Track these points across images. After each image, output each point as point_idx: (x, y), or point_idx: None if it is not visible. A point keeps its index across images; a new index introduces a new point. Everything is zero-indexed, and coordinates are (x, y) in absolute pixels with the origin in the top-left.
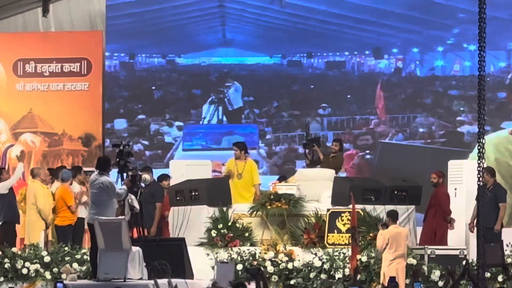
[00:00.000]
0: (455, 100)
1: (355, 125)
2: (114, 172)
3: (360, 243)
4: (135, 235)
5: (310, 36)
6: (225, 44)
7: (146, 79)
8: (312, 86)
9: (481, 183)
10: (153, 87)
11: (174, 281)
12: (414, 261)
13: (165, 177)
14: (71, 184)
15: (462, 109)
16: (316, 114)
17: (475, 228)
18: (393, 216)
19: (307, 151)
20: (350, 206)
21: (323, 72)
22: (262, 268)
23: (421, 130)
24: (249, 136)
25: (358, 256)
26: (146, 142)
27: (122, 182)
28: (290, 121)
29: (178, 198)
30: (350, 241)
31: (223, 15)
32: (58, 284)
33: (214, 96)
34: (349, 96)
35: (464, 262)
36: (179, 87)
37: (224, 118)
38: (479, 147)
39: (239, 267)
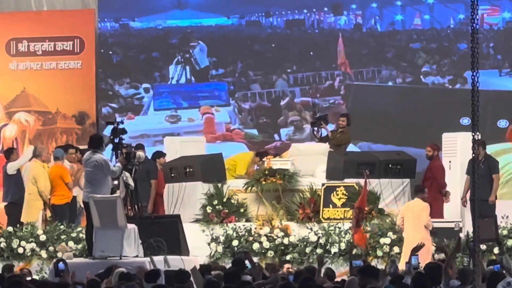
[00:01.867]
0: (417, 53)
1: (320, 81)
2: (108, 150)
3: (364, 215)
4: (130, 212)
5: None
6: (179, 6)
7: (102, 44)
8: (273, 45)
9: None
10: (110, 52)
11: (170, 257)
12: None
13: (161, 154)
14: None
15: (424, 61)
16: (282, 72)
17: (468, 201)
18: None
19: (315, 129)
20: (345, 180)
21: (283, 31)
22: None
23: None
24: (219, 93)
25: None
26: (115, 105)
27: (116, 160)
28: (256, 79)
29: (172, 175)
30: (353, 222)
31: None
32: (60, 265)
33: (180, 57)
34: (311, 53)
35: (461, 235)
36: (137, 51)
37: (192, 78)
38: (473, 119)
39: (235, 243)
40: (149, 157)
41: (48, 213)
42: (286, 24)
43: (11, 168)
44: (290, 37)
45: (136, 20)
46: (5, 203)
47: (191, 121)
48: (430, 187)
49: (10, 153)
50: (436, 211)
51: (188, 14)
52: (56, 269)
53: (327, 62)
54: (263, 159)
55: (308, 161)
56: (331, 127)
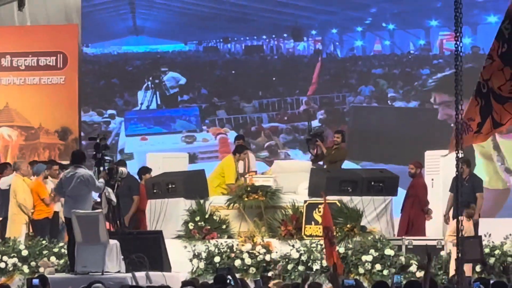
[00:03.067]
0: (380, 78)
1: (286, 107)
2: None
3: (337, 234)
4: (112, 228)
5: (225, 21)
6: (135, 31)
7: None
8: (233, 71)
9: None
10: None
11: (152, 273)
12: (391, 252)
13: (146, 170)
14: (46, 177)
15: (388, 86)
16: (247, 97)
17: (451, 219)
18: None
19: (310, 146)
20: (328, 197)
21: (242, 56)
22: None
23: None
24: (191, 118)
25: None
26: (83, 134)
27: (99, 176)
28: (221, 105)
29: (155, 191)
30: (324, 242)
31: (132, 1)
32: (34, 281)
33: (150, 82)
34: (274, 78)
35: (443, 253)
36: (95, 77)
37: (161, 103)
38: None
39: (217, 259)
40: (135, 173)
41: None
42: (245, 50)
43: (4, 183)
44: (249, 63)
45: (90, 46)
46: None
47: (205, 141)
48: (412, 205)
49: (4, 168)
50: (418, 229)
51: (144, 40)
52: (29, 286)
53: (290, 87)
54: (243, 154)
55: (290, 178)
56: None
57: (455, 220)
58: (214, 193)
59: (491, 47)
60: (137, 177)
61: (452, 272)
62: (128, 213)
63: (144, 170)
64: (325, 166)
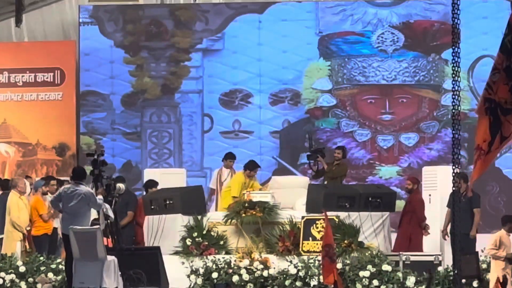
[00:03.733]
0: None
1: None
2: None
3: (335, 250)
4: (110, 244)
5: None
6: None
7: None
8: None
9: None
10: None
11: None
12: (389, 268)
13: (153, 183)
14: (44, 193)
15: None
16: None
17: (448, 235)
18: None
19: (311, 162)
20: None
21: None
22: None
23: None
24: None
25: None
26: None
27: (97, 192)
28: None
29: (152, 207)
30: (324, 260)
31: None
32: None
33: None
34: None
35: (440, 268)
36: None
37: None
38: (453, 153)
39: (215, 275)
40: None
41: (27, 245)
42: None
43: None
44: None
45: None
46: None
47: None
48: (410, 221)
49: (8, 184)
50: (415, 245)
51: None
52: None
53: None
54: (253, 171)
55: (288, 194)
56: None
57: (495, 234)
58: (225, 205)
59: (496, 59)
60: (142, 191)
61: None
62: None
63: (151, 184)
64: (325, 183)
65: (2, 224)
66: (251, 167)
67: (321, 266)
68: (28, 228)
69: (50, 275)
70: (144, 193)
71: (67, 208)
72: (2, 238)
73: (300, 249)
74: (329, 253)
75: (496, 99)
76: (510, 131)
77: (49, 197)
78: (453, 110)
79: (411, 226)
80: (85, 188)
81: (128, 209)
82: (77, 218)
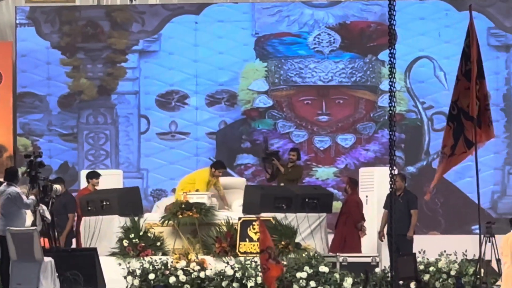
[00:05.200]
0: None
1: None
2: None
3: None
4: (47, 245)
5: None
6: None
7: None
8: None
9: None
10: None
11: None
12: (326, 269)
13: (94, 174)
14: None
15: None
16: None
17: (385, 236)
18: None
19: (266, 165)
20: (262, 214)
21: None
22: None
23: None
24: None
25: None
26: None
27: (31, 193)
28: None
29: (89, 208)
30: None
31: None
32: None
33: None
34: None
35: (377, 270)
36: None
37: None
38: (390, 154)
39: (151, 276)
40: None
41: None
42: None
43: None
44: None
45: None
46: None
47: None
48: (346, 222)
49: None
50: (351, 246)
51: None
52: None
53: None
54: (218, 171)
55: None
56: None
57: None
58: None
59: (458, 67)
60: (84, 183)
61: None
62: (64, 230)
63: (92, 175)
64: (281, 185)
65: None
66: (217, 166)
67: (266, 268)
68: None
69: None
70: (86, 183)
71: (0, 208)
72: None
73: (237, 250)
74: (272, 256)
75: (459, 104)
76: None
77: None
78: (390, 111)
79: (346, 227)
80: (12, 188)
81: (68, 211)
82: (11, 219)
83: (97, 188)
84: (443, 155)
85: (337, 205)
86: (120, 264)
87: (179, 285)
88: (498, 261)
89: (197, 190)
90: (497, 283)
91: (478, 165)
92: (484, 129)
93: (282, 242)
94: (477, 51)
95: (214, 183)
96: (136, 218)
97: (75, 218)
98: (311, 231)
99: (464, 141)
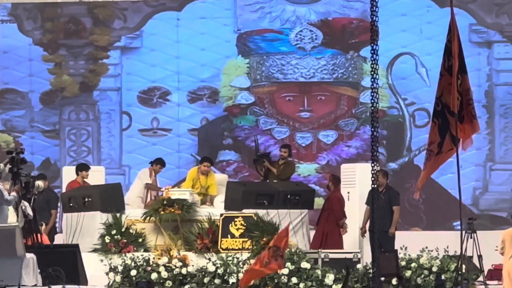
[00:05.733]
0: None
1: None
2: None
3: (253, 248)
4: (29, 242)
5: None
6: None
7: None
8: None
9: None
10: None
11: (68, 287)
12: (308, 265)
13: (84, 167)
14: None
15: None
16: None
17: (367, 232)
18: None
19: (258, 166)
20: (244, 210)
21: None
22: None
23: None
24: None
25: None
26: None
27: (12, 189)
28: None
29: (71, 204)
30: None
31: None
32: None
33: None
34: None
35: (359, 266)
36: None
37: None
38: (372, 150)
39: (133, 272)
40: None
41: None
42: None
43: None
44: None
45: None
46: None
47: None
48: (327, 218)
49: None
50: (333, 242)
51: None
52: None
53: None
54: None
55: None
56: None
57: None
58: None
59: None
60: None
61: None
62: (47, 228)
63: (81, 167)
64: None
65: None
66: (202, 160)
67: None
68: None
69: None
70: (75, 176)
71: None
72: None
73: (219, 247)
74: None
75: (443, 100)
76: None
77: None
78: (372, 108)
79: (328, 224)
80: None
81: (51, 207)
82: None
83: (86, 180)
84: (430, 153)
85: (319, 202)
86: (102, 261)
87: (161, 281)
88: (480, 257)
89: (179, 187)
90: (479, 279)
91: (460, 162)
92: (467, 124)
93: (264, 239)
94: (458, 46)
95: (208, 185)
96: (118, 215)
97: (58, 214)
98: (293, 227)
99: (451, 137)
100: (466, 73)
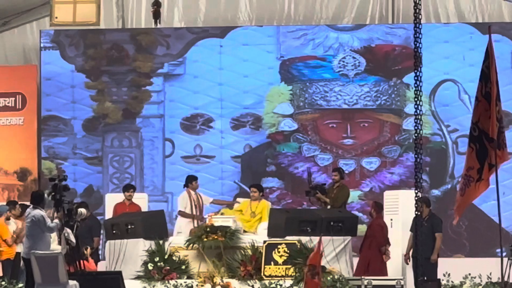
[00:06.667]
0: None
1: None
2: None
3: (296, 274)
4: (72, 269)
5: None
6: None
7: None
8: None
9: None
10: None
11: None
12: None
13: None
14: (8, 219)
15: None
16: None
17: (411, 259)
18: None
19: (311, 198)
20: (287, 237)
21: None
22: None
23: None
24: None
25: None
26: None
27: (55, 216)
28: None
29: (114, 231)
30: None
31: None
32: None
33: None
34: None
35: None
36: None
37: None
38: (416, 177)
39: None
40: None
41: None
42: None
43: None
44: None
45: None
46: None
47: None
48: (370, 245)
49: None
50: (376, 269)
51: None
52: None
53: None
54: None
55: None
56: None
57: None
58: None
59: (477, 88)
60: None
61: None
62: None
63: (125, 188)
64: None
65: None
66: (250, 186)
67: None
68: (1, 249)
69: None
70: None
71: (25, 231)
72: None
73: (262, 274)
74: (312, 271)
75: (480, 126)
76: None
77: (13, 222)
78: (415, 135)
79: (370, 251)
80: (37, 211)
81: (93, 235)
82: (35, 242)
83: (132, 200)
84: (469, 178)
85: (362, 229)
86: None
87: None
88: None
89: (222, 214)
90: None
91: (503, 188)
92: (500, 151)
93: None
94: (495, 73)
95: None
96: (161, 242)
97: (100, 242)
98: (336, 254)
99: (489, 164)
100: (500, 100)
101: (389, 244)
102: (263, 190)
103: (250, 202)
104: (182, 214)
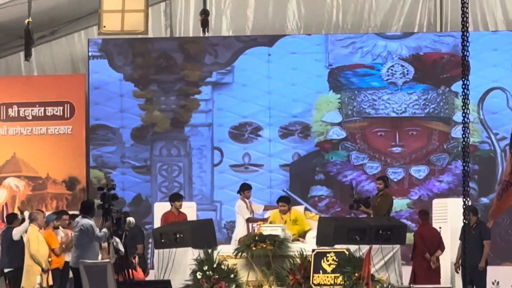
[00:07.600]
0: None
1: None
2: None
3: (345, 283)
4: (121, 278)
5: None
6: None
7: None
8: None
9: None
10: None
11: None
12: None
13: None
14: (56, 228)
15: None
16: None
17: (460, 267)
18: None
19: (354, 212)
20: (336, 246)
21: None
22: None
23: None
24: None
25: None
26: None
27: (104, 225)
28: None
29: (162, 240)
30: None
31: None
32: None
33: None
34: None
35: None
36: None
37: None
38: (464, 185)
39: None
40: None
41: (45, 280)
42: None
43: (17, 233)
44: None
45: None
46: (11, 269)
47: None
48: (413, 254)
49: (14, 219)
50: (422, 277)
51: None
52: None
53: None
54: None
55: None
56: None
57: None
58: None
59: None
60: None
61: None
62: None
63: (174, 198)
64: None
65: (9, 259)
66: (278, 200)
67: None
68: (50, 259)
69: None
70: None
71: (74, 240)
72: (10, 272)
73: (311, 282)
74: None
75: None
76: None
77: (61, 231)
78: (463, 143)
79: (415, 260)
80: (86, 220)
81: (137, 242)
82: (83, 251)
83: (181, 210)
84: (507, 183)
85: (410, 237)
86: None
87: None
88: None
89: (270, 223)
90: None
91: None
92: None
93: (356, 274)
94: None
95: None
96: (209, 250)
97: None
98: (384, 262)
99: None
100: None
101: (440, 251)
102: (290, 202)
103: (281, 214)
104: (252, 220)
